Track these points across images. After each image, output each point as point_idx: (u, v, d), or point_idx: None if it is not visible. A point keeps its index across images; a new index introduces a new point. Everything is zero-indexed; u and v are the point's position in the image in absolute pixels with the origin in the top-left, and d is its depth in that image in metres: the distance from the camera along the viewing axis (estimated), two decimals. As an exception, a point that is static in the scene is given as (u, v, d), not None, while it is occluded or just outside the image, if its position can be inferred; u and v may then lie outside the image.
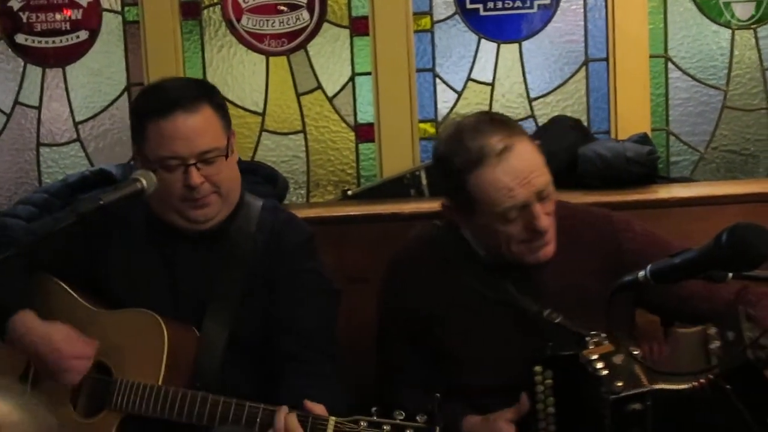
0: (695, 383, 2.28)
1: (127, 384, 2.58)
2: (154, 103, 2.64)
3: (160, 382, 2.55)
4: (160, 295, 2.69)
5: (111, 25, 3.90)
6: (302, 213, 3.47)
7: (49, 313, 2.69)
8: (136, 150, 2.75)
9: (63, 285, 2.76)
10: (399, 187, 3.68)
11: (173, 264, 2.72)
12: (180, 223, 2.68)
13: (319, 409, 2.37)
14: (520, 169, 2.47)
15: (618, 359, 2.31)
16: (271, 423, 2.38)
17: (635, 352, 2.36)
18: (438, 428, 2.22)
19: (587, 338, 2.40)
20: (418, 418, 2.24)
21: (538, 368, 2.46)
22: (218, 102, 2.69)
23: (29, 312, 2.64)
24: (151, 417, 2.53)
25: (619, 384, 2.28)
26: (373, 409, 2.29)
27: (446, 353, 2.65)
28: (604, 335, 2.40)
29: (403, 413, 2.26)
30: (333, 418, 2.32)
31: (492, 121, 2.56)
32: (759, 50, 3.76)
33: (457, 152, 2.51)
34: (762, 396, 2.21)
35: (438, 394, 2.29)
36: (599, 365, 2.33)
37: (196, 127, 2.59)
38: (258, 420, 2.41)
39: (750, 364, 2.20)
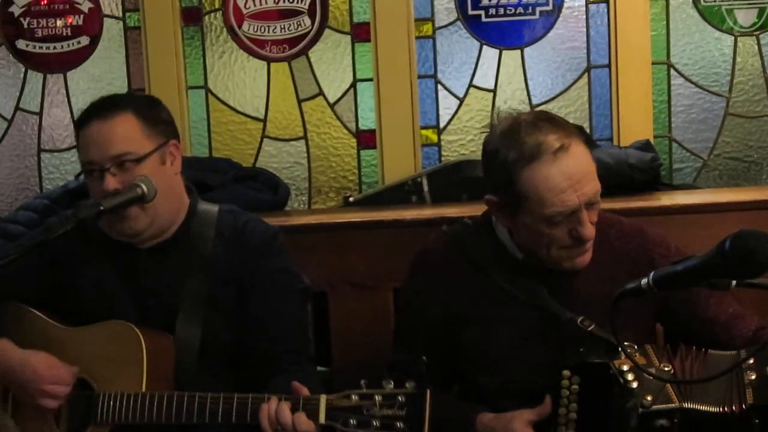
0: (726, 408, 2.27)
1: (110, 396, 2.55)
2: (80, 115, 2.70)
3: (143, 389, 2.53)
4: (126, 308, 2.68)
5: (112, 31, 3.89)
6: (304, 219, 3.49)
7: (21, 336, 2.68)
8: None
9: (29, 308, 2.74)
10: (401, 193, 3.67)
11: (136, 275, 2.71)
12: (114, 237, 2.68)
13: (306, 391, 2.36)
14: (574, 171, 2.45)
15: (650, 374, 2.29)
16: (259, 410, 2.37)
17: (667, 368, 2.35)
18: (428, 391, 2.22)
19: (620, 348, 2.36)
20: (407, 384, 2.24)
21: (566, 372, 2.44)
22: (146, 112, 2.67)
23: (4, 340, 2.64)
24: (140, 425, 2.51)
25: (649, 398, 2.28)
26: (362, 381, 2.28)
27: (466, 353, 2.63)
28: (636, 347, 2.39)
29: (392, 382, 2.25)
30: (324, 396, 2.31)
31: (550, 119, 2.54)
32: (762, 57, 3.76)
33: (513, 146, 2.48)
34: None
35: (424, 357, 2.28)
36: (630, 377, 2.32)
37: (108, 132, 2.60)
38: (249, 409, 2.40)
39: None
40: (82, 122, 2.66)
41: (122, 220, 2.61)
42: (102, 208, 2.51)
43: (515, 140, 2.48)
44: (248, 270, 2.69)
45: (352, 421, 2.26)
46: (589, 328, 2.48)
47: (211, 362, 2.66)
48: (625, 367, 2.34)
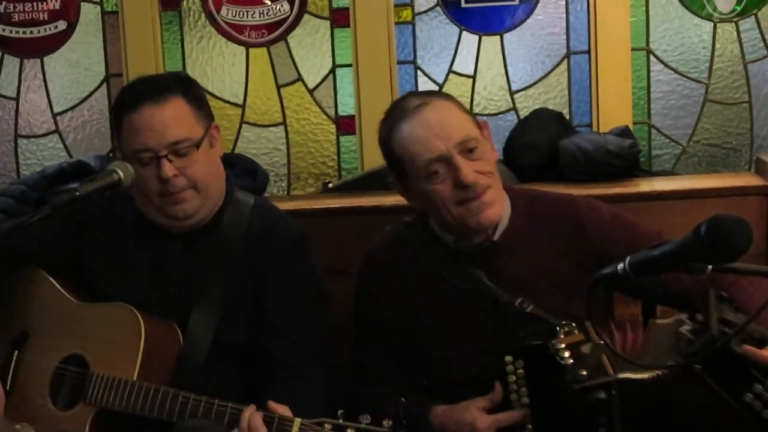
0: (660, 372, 2.28)
1: (102, 378, 2.57)
2: (125, 98, 2.66)
3: (135, 378, 2.54)
4: (146, 293, 2.69)
5: (89, 16, 3.87)
6: (283, 206, 3.45)
7: (30, 305, 2.72)
8: (117, 147, 2.77)
9: (48, 277, 2.76)
10: (380, 179, 3.63)
11: (163, 262, 2.72)
12: (161, 220, 2.67)
13: (282, 409, 2.37)
14: (436, 121, 2.53)
15: (586, 348, 2.33)
16: (236, 422, 2.39)
17: (602, 342, 2.35)
18: None
19: (558, 328, 2.41)
20: (384, 422, 2.24)
21: (508, 358, 2.47)
22: (193, 94, 2.68)
23: None
24: (124, 411, 2.53)
25: (584, 373, 2.29)
26: (340, 411, 2.30)
27: (421, 349, 2.65)
28: (574, 324, 2.41)
29: (369, 417, 2.26)
30: (298, 419, 2.32)
31: (420, 91, 2.73)
32: (741, 43, 3.76)
33: (386, 120, 2.62)
34: (734, 373, 2.20)
35: (402, 399, 2.30)
36: (566, 354, 2.34)
37: (164, 118, 2.59)
38: (226, 418, 2.41)
39: (717, 341, 2.18)
40: (129, 107, 2.61)
41: (175, 203, 2.62)
42: (78, 194, 2.49)
43: (387, 116, 2.62)
44: (269, 271, 2.69)
45: None
46: (528, 309, 2.50)
47: (220, 359, 2.66)
48: (562, 345, 2.36)
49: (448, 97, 2.64)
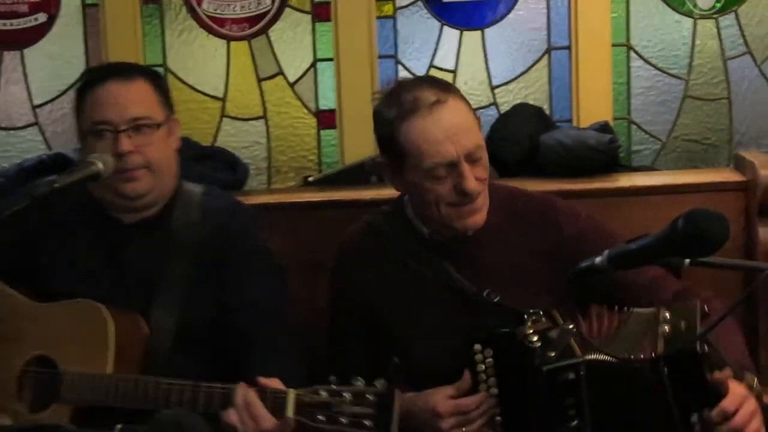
0: (631, 356, 2.30)
1: (75, 375, 2.54)
2: (91, 76, 2.72)
3: (110, 371, 2.52)
4: (105, 286, 2.67)
5: (70, 8, 3.84)
6: (263, 199, 3.48)
7: None
8: (77, 129, 2.73)
9: (0, 282, 2.72)
10: (360, 173, 3.66)
11: (117, 254, 2.71)
12: (112, 199, 2.67)
13: (274, 383, 2.36)
14: (451, 124, 2.51)
15: (554, 333, 2.34)
16: (228, 402, 2.37)
17: (570, 326, 2.38)
18: (396, 391, 2.24)
19: (525, 316, 2.43)
20: (376, 383, 2.25)
21: (477, 347, 2.48)
22: (159, 82, 2.74)
23: None
24: (103, 406, 2.50)
25: (552, 354, 2.31)
26: (331, 377, 2.29)
27: (395, 340, 2.65)
28: (542, 313, 2.43)
29: (361, 379, 2.26)
30: (292, 390, 2.31)
31: (430, 79, 2.66)
32: (720, 40, 3.77)
33: (393, 103, 2.58)
34: (692, 391, 2.23)
35: (396, 358, 2.32)
36: (534, 338, 2.36)
37: (129, 93, 2.63)
38: (215, 400, 2.39)
39: (694, 356, 2.21)
40: (95, 81, 2.65)
41: (128, 181, 2.63)
42: (56, 185, 2.49)
43: (395, 98, 2.58)
44: (229, 252, 2.70)
45: (321, 417, 2.26)
46: (495, 300, 2.52)
47: (187, 346, 2.65)
48: (530, 331, 2.37)
49: (460, 96, 2.61)
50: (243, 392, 2.35)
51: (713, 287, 2.64)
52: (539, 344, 2.34)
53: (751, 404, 2.26)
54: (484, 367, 2.48)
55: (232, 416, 2.35)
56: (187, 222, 2.72)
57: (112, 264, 2.70)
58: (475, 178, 2.52)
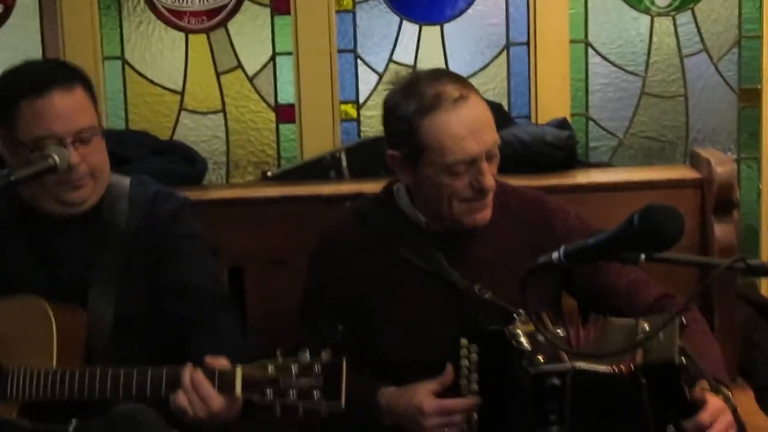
0: (616, 369, 2.31)
1: (20, 372, 2.51)
2: (27, 81, 2.59)
3: (54, 365, 2.50)
4: (41, 284, 2.64)
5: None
6: (221, 194, 3.46)
7: None
8: (1, 134, 2.62)
9: None
10: (319, 168, 3.65)
11: (48, 250, 2.68)
12: (53, 207, 2.64)
13: (220, 362, 2.35)
14: (474, 120, 2.50)
15: (542, 337, 2.33)
16: (176, 385, 2.35)
17: (560, 331, 2.40)
18: (344, 359, 2.23)
19: (515, 315, 2.42)
20: (323, 354, 2.25)
21: (464, 341, 2.47)
22: (89, 83, 2.67)
23: None
24: (51, 400, 2.47)
25: (541, 358, 2.31)
26: (278, 350, 2.28)
27: (375, 330, 2.64)
28: (532, 315, 2.41)
29: (308, 351, 2.25)
30: (239, 367, 2.31)
31: (448, 73, 2.63)
32: (677, 37, 3.80)
33: (413, 97, 2.53)
34: (669, 402, 2.25)
35: (341, 326, 2.31)
36: (523, 340, 2.36)
37: (73, 104, 2.56)
38: (163, 382, 2.38)
39: (672, 367, 2.23)
40: (34, 91, 2.54)
41: (73, 189, 2.59)
42: (12, 179, 2.47)
43: (415, 92, 2.53)
44: (160, 238, 2.69)
45: (269, 392, 2.26)
46: (486, 296, 2.52)
47: (126, 336, 2.63)
48: (519, 332, 2.37)
49: (478, 91, 2.60)
50: (190, 373, 2.34)
51: (668, 283, 2.68)
52: (527, 346, 2.34)
53: (727, 417, 2.28)
54: (468, 362, 2.46)
55: (181, 399, 2.33)
56: (116, 214, 2.70)
57: (45, 261, 2.67)
58: (491, 174, 2.53)
